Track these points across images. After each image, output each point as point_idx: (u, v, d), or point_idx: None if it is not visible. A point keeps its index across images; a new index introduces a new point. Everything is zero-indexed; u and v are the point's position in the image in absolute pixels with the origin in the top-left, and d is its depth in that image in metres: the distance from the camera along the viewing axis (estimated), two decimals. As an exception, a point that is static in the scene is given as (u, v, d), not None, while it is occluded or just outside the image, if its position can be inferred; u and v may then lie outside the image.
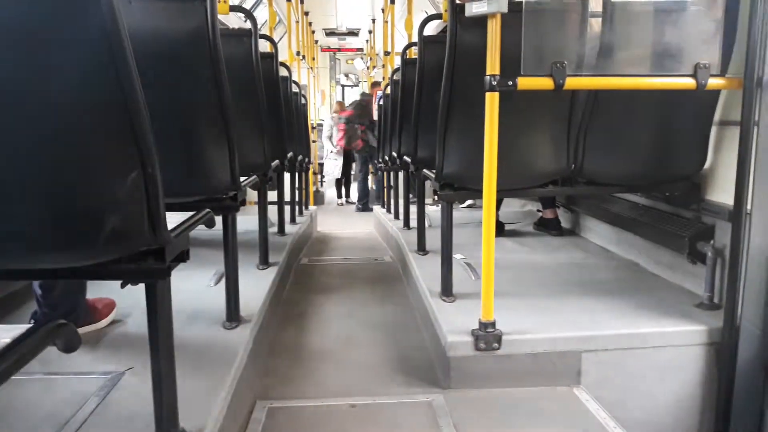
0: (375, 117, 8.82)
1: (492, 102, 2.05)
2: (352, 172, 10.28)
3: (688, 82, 2.15)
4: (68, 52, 1.10)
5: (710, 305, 2.44)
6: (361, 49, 15.32)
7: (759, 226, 2.07)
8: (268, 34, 5.12)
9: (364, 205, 9.21)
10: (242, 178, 2.43)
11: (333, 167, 10.18)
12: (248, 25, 3.07)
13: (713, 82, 2.16)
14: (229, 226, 2.28)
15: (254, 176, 2.87)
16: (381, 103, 6.48)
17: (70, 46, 1.10)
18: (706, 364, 2.27)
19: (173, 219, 1.52)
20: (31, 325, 0.95)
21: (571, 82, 2.09)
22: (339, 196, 10.60)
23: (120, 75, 1.13)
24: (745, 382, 2.12)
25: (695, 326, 2.29)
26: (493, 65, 2.02)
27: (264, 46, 4.29)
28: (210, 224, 1.69)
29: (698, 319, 2.34)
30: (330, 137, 10.07)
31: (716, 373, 2.25)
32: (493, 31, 1.99)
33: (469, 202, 5.61)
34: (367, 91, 11.26)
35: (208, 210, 1.66)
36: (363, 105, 9.73)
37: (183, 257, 1.46)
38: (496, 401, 2.11)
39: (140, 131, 1.18)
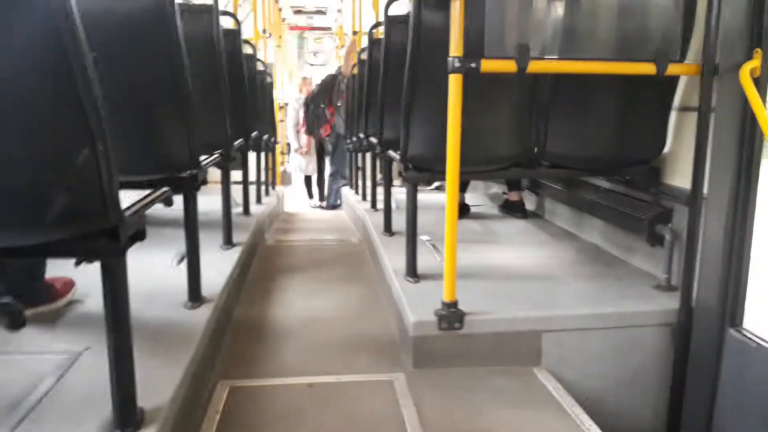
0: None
1: (455, 84, 2.04)
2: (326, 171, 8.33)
3: (648, 67, 2.18)
4: (15, 24, 1.07)
5: (668, 287, 2.49)
6: (329, 28, 15.15)
7: (714, 210, 2.12)
8: (231, 11, 5.03)
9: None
10: (203, 157, 2.40)
11: (303, 163, 8.60)
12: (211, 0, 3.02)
13: (672, 68, 2.19)
14: (190, 206, 2.25)
15: (216, 155, 2.83)
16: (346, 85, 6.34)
17: (17, 18, 1.06)
18: (662, 344, 2.33)
19: (132, 198, 1.50)
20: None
21: (534, 65, 2.10)
22: (310, 196, 8.98)
23: (69, 50, 1.10)
24: (698, 362, 2.18)
25: (653, 307, 2.34)
26: (456, 46, 2.01)
27: (228, 23, 4.23)
28: (168, 203, 1.66)
29: (656, 301, 2.39)
30: (296, 125, 8.38)
31: (672, 353, 2.31)
32: (457, 11, 1.98)
33: (436, 184, 5.62)
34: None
35: (165, 189, 1.64)
36: (327, 81, 8.02)
37: (139, 236, 1.44)
38: (457, 380, 2.13)
39: (90, 107, 1.16)
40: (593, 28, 2.34)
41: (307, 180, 8.96)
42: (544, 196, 4.08)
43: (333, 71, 8.59)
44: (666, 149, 2.58)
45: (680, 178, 2.45)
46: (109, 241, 1.31)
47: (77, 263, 1.37)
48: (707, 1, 2.10)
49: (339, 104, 7.49)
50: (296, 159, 8.76)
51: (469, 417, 1.91)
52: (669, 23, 2.26)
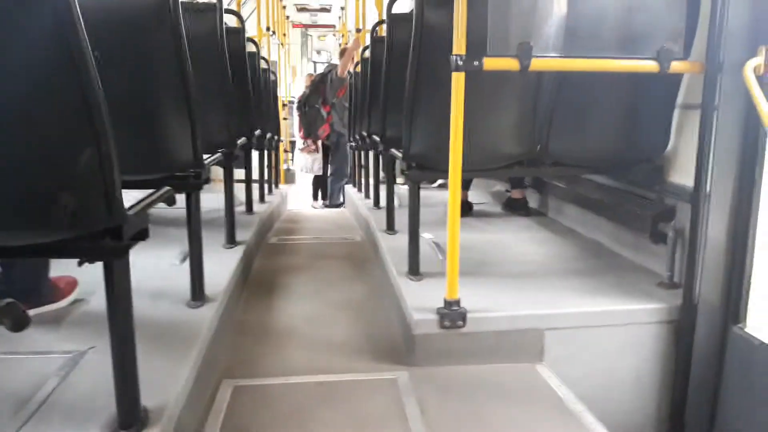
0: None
1: (458, 82, 2.04)
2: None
3: (652, 65, 2.17)
4: (17, 24, 1.07)
5: (671, 284, 2.49)
6: (333, 26, 15.13)
7: (717, 208, 2.12)
8: (235, 8, 5.03)
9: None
10: (206, 156, 2.40)
11: (308, 162, 8.18)
12: (215, -1, 3.03)
13: (675, 66, 2.18)
14: (192, 205, 2.25)
15: (219, 153, 2.84)
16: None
17: (19, 19, 1.07)
18: (665, 341, 2.32)
19: (135, 197, 1.50)
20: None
21: (537, 63, 2.09)
22: (315, 197, 8.49)
23: (71, 48, 1.11)
24: (701, 359, 2.18)
25: (655, 305, 2.34)
26: (459, 45, 2.01)
27: (232, 21, 4.23)
28: (170, 202, 1.67)
29: (659, 298, 2.38)
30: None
31: (675, 351, 2.30)
32: (459, 10, 1.98)
33: (440, 181, 5.62)
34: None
35: (167, 188, 1.64)
36: (316, 81, 7.77)
37: (142, 236, 1.44)
38: (460, 378, 2.13)
39: (94, 107, 1.16)
40: (596, 26, 2.33)
41: (316, 180, 8.47)
42: (548, 193, 4.08)
43: (323, 70, 8.31)
44: (669, 147, 2.57)
45: (683, 175, 2.44)
46: (112, 240, 1.32)
47: (80, 263, 1.37)
48: (711, -1, 2.09)
49: (334, 101, 7.30)
50: (302, 158, 8.50)
51: (472, 414, 1.91)
52: (672, 20, 2.25)
